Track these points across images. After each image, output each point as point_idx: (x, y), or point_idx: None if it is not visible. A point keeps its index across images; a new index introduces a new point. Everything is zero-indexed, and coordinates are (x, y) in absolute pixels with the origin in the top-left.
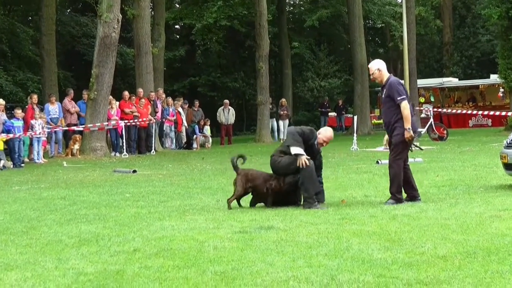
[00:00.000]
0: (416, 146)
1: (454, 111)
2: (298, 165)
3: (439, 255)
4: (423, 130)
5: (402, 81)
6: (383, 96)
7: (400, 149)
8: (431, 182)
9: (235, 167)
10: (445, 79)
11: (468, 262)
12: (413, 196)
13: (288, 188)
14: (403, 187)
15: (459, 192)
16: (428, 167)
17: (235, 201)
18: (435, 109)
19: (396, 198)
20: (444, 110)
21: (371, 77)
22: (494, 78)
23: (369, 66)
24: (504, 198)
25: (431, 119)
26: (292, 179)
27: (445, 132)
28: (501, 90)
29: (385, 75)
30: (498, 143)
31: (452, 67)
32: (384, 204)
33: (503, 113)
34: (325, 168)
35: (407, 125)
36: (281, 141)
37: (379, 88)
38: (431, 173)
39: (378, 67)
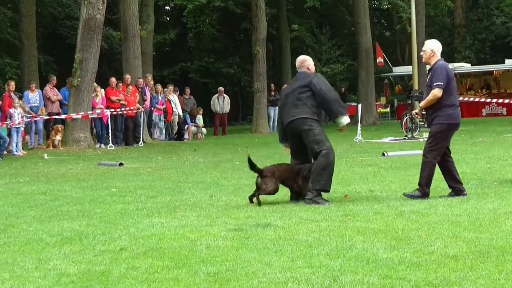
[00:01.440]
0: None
1: (466, 99)
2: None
3: (450, 255)
4: None
5: (451, 67)
6: (427, 80)
7: (436, 140)
8: (441, 175)
9: (256, 168)
10: (456, 65)
11: (480, 262)
12: (458, 190)
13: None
14: (446, 181)
15: (472, 187)
16: None
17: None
18: None
19: (423, 191)
20: None
21: (421, 53)
22: (509, 63)
23: (425, 42)
24: None
25: None
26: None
27: None
28: None
29: (436, 58)
30: None
31: (464, 51)
32: (405, 195)
33: None
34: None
35: (423, 103)
36: None
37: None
38: None
39: (432, 48)
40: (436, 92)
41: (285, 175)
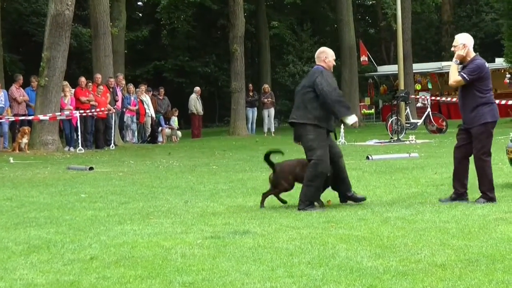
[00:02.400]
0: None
1: (454, 99)
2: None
3: (437, 263)
4: (420, 122)
5: (438, 66)
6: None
7: (482, 142)
8: (429, 180)
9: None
10: (444, 63)
11: (469, 271)
12: (460, 194)
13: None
14: (453, 181)
15: None
16: (425, 163)
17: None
18: (433, 98)
19: (487, 197)
20: (443, 98)
21: (452, 49)
22: (499, 62)
23: (456, 37)
24: (510, 199)
25: (429, 109)
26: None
27: (444, 123)
28: (508, 75)
29: (471, 53)
30: (504, 136)
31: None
32: (475, 202)
33: (510, 102)
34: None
35: (453, 74)
36: (265, 134)
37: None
38: (429, 170)
39: (465, 42)
40: (459, 80)
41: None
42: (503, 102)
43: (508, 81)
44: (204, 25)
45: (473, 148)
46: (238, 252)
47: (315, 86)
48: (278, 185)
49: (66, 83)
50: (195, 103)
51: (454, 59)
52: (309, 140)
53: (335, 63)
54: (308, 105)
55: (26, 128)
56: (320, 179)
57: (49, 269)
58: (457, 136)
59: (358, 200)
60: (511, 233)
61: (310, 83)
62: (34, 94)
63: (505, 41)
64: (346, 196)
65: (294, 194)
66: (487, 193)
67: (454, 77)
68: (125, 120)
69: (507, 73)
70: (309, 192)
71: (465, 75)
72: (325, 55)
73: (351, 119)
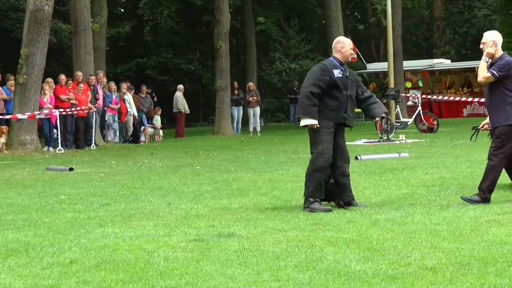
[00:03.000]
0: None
1: (446, 98)
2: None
3: (428, 267)
4: (410, 120)
5: (429, 64)
6: None
7: (502, 142)
8: (419, 181)
9: None
10: (435, 61)
11: (461, 275)
12: None
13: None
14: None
15: (452, 193)
16: (416, 163)
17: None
18: (424, 96)
19: (484, 196)
20: (435, 97)
21: (481, 46)
22: None
23: (485, 34)
24: (503, 200)
25: (419, 108)
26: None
27: (435, 122)
28: None
29: (499, 51)
30: None
31: (443, 46)
32: (462, 198)
33: None
34: (295, 166)
35: (482, 71)
36: (251, 133)
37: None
38: (419, 171)
39: (494, 39)
40: (488, 76)
41: None
42: None
43: None
44: (188, 21)
45: (491, 146)
46: (223, 256)
47: None
48: None
49: (50, 80)
50: (182, 101)
51: (484, 57)
52: (311, 134)
53: (353, 52)
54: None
55: (4, 128)
56: (319, 173)
57: (28, 273)
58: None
59: (355, 206)
60: (503, 235)
61: None
62: (9, 92)
63: None
64: (348, 203)
65: (281, 196)
66: (486, 192)
67: (483, 73)
68: (106, 119)
69: None
70: (311, 185)
71: (494, 72)
72: (342, 45)
73: (304, 122)
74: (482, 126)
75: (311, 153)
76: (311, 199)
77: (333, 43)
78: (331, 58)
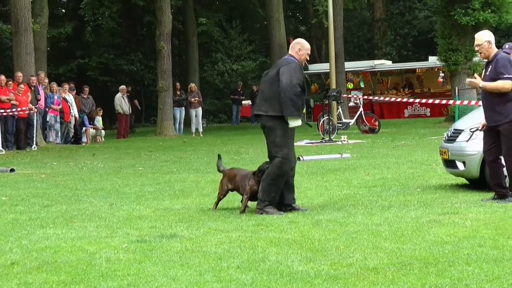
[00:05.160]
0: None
1: (387, 99)
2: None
3: (370, 267)
4: (352, 121)
5: (371, 65)
6: (487, 73)
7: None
8: (361, 181)
9: (218, 168)
10: (376, 62)
11: (402, 275)
12: (502, 194)
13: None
14: (490, 183)
15: (393, 194)
16: (357, 164)
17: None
18: (365, 97)
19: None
20: (376, 97)
21: (476, 48)
22: (433, 60)
23: (477, 36)
24: (444, 200)
25: (361, 109)
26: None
27: (376, 123)
28: (441, 74)
29: (494, 50)
30: (438, 136)
31: (385, 47)
32: (495, 200)
33: (443, 102)
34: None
35: (486, 85)
36: (193, 134)
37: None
38: (361, 171)
39: (488, 39)
40: (508, 85)
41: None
42: (437, 101)
43: (441, 80)
44: (130, 21)
45: (502, 148)
46: (165, 257)
47: (279, 75)
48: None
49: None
50: (121, 102)
51: (480, 79)
52: (277, 136)
53: (308, 58)
54: (276, 96)
55: None
56: (282, 179)
57: None
58: (484, 138)
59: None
60: (444, 235)
61: (276, 72)
62: None
63: (439, 39)
64: (289, 205)
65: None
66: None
67: (504, 85)
68: (48, 119)
69: (440, 72)
70: (271, 191)
71: (507, 76)
72: (299, 47)
73: (295, 123)
74: (482, 127)
75: (273, 156)
76: (267, 201)
77: (292, 43)
78: (290, 57)
